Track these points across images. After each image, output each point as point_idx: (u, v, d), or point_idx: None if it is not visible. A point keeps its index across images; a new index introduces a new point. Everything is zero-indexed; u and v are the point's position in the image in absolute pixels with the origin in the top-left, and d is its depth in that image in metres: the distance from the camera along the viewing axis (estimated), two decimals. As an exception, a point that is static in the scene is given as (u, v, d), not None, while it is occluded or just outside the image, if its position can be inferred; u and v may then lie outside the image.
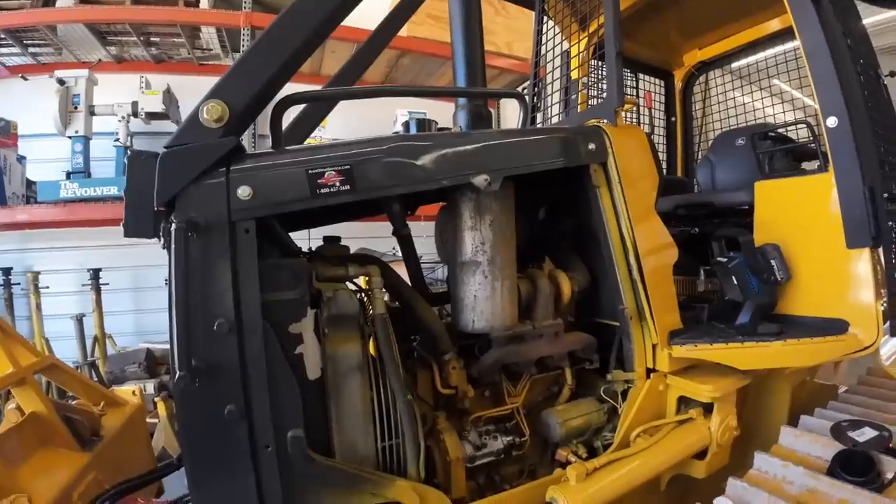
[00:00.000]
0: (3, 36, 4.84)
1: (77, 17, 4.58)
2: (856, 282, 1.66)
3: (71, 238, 5.17)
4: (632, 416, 1.65)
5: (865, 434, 1.55)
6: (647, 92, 2.78)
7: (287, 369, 1.23)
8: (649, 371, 1.71)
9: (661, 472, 1.59)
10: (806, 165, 2.06)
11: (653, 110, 2.87)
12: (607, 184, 1.72)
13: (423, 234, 2.24)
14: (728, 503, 1.47)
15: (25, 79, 5.35)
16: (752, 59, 2.74)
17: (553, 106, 2.28)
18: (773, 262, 1.75)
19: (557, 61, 2.21)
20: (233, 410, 1.14)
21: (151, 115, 4.86)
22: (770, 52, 2.64)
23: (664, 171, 3.00)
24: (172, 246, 1.09)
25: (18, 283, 4.86)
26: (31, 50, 5.21)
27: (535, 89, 2.37)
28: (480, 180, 1.40)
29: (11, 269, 4.79)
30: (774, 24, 2.57)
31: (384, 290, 1.54)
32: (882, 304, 1.64)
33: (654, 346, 1.70)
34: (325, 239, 1.59)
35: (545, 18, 2.34)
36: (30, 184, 4.69)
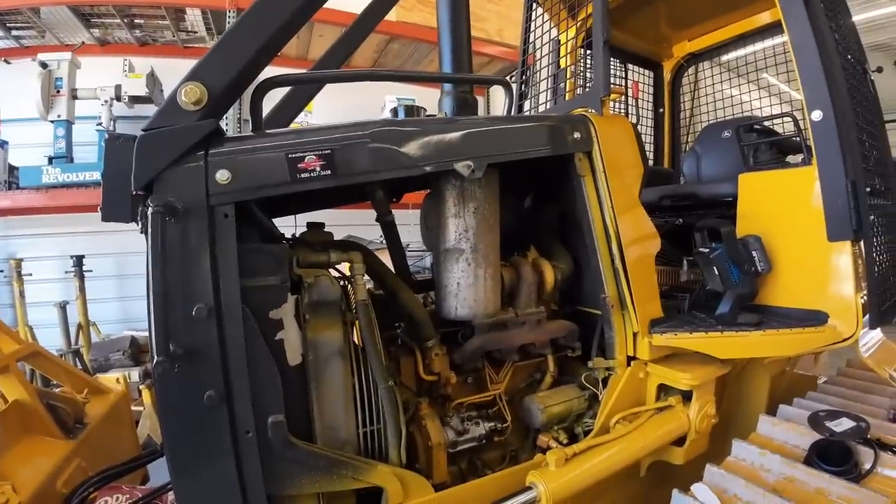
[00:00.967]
0: None
1: None
2: (836, 274, 1.68)
3: (54, 224, 5.11)
4: (612, 403, 1.67)
5: (843, 424, 1.58)
6: (634, 82, 2.77)
7: (267, 355, 1.23)
8: (630, 359, 1.73)
9: (639, 457, 1.61)
10: (791, 159, 2.08)
11: (639, 101, 2.86)
12: (592, 173, 1.72)
13: (411, 222, 2.23)
14: (705, 489, 1.51)
15: (8, 62, 5.25)
16: (741, 52, 2.74)
17: (541, 94, 2.27)
18: (754, 253, 1.77)
19: (546, 49, 2.20)
20: (212, 396, 1.14)
21: (135, 99, 4.78)
22: (759, 45, 2.65)
23: (651, 161, 3.02)
24: (150, 230, 1.08)
25: (1, 271, 4.83)
26: (15, 33, 5.10)
27: (524, 77, 2.35)
28: (463, 167, 1.39)
29: None
30: (764, 18, 2.58)
31: (368, 276, 1.54)
32: (862, 297, 1.67)
33: (634, 335, 1.71)
34: (309, 225, 1.58)
35: (534, 6, 2.32)
36: (12, 169, 4.61)
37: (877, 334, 1.99)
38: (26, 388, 1.96)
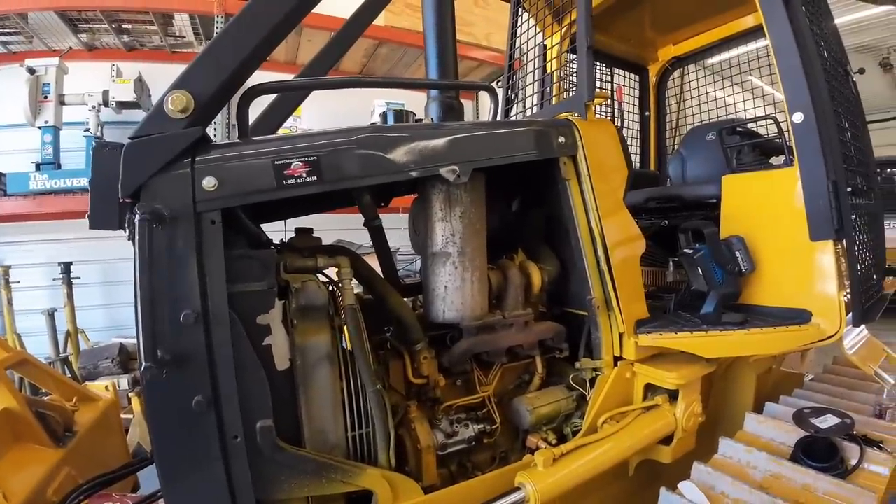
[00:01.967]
0: None
1: (48, 4, 4.48)
2: (819, 273, 1.71)
3: (41, 231, 5.09)
4: (599, 403, 1.69)
5: (828, 421, 1.60)
6: (619, 86, 2.81)
7: (255, 360, 1.24)
8: (616, 359, 1.75)
9: (627, 457, 1.63)
10: (774, 160, 2.11)
11: (623, 104, 2.90)
12: (577, 177, 1.74)
13: (402, 226, 2.25)
14: (692, 487, 1.52)
15: None
16: (726, 55, 2.78)
17: (528, 98, 2.29)
18: (737, 253, 1.80)
19: (532, 54, 2.22)
20: (201, 401, 1.15)
21: (123, 105, 4.78)
22: (744, 48, 2.68)
23: (637, 164, 3.05)
24: (137, 237, 1.08)
25: None
26: (2, 38, 5.10)
27: (510, 82, 2.38)
28: (449, 172, 1.41)
29: None
30: (748, 21, 2.61)
31: (356, 281, 1.55)
32: (845, 295, 1.69)
33: (620, 335, 1.73)
34: (297, 230, 1.59)
35: (520, 11, 2.35)
36: None
37: (861, 332, 2.02)
38: (15, 397, 1.95)
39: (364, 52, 5.62)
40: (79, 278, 4.92)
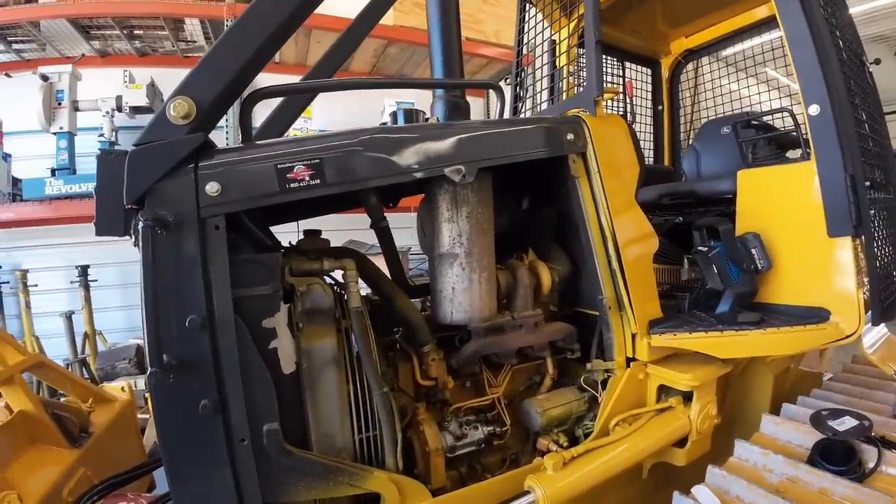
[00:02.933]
0: None
1: (59, 12, 4.55)
2: (837, 270, 1.66)
3: (58, 235, 5.18)
4: (611, 405, 1.66)
5: (846, 423, 1.55)
6: (629, 80, 2.75)
7: (261, 364, 1.24)
8: (629, 360, 1.72)
9: (639, 460, 1.60)
10: (791, 154, 2.05)
11: (634, 98, 2.84)
12: (587, 174, 1.71)
13: (414, 224, 2.24)
14: (706, 491, 1.49)
15: (9, 76, 5.34)
16: (740, 46, 2.71)
17: (540, 94, 2.26)
18: (753, 250, 1.75)
19: (541, 50, 2.19)
20: (207, 405, 1.15)
21: (136, 110, 4.83)
22: (758, 39, 2.61)
23: (649, 160, 3.00)
24: (141, 243, 1.09)
25: (7, 282, 4.91)
26: (15, 47, 5.20)
27: (518, 79, 2.35)
28: (454, 172, 1.39)
29: (0, 267, 4.83)
30: (762, 12, 2.55)
31: (364, 282, 1.55)
32: (864, 293, 1.64)
33: (633, 336, 1.70)
34: (306, 232, 1.60)
35: (528, 6, 2.31)
36: (15, 181, 4.69)
37: (881, 330, 1.96)
38: (31, 399, 2.00)
39: (374, 52, 5.62)
40: (96, 281, 5.01)
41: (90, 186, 4.36)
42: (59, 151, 4.59)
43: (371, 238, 3.40)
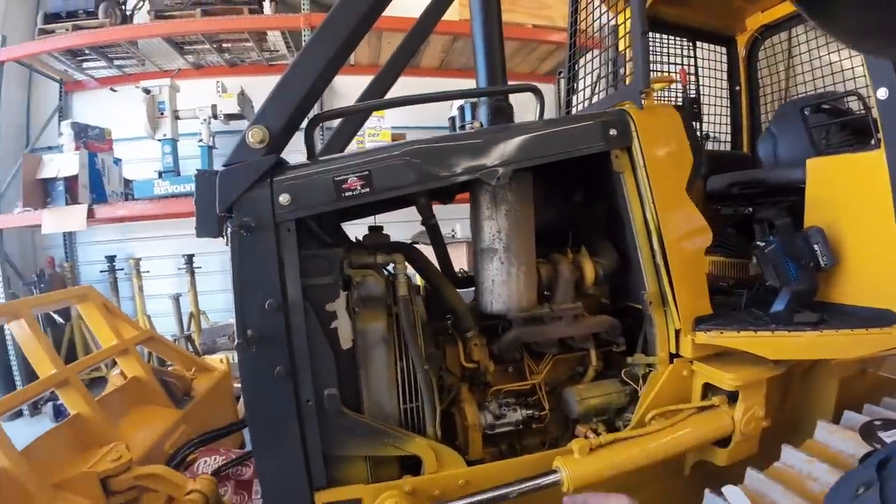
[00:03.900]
0: (89, 52, 5.55)
1: (153, 31, 5.17)
2: (908, 270, 1.53)
3: (166, 228, 5.88)
4: (651, 399, 1.70)
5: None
6: (681, 67, 2.58)
7: (324, 340, 1.50)
8: (673, 356, 1.73)
9: (672, 454, 1.61)
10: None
11: (688, 84, 2.63)
12: (632, 168, 1.74)
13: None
14: (737, 491, 1.48)
15: (114, 90, 6.16)
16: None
17: (597, 83, 2.25)
18: (816, 246, 1.66)
19: (599, 37, 2.16)
20: (280, 371, 1.44)
21: (229, 116, 5.36)
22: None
23: (728, 145, 2.80)
24: (230, 244, 1.40)
25: (122, 269, 5.73)
26: (117, 63, 5.96)
27: (570, 73, 2.36)
28: (488, 175, 1.54)
29: (115, 256, 5.67)
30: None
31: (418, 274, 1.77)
32: None
33: (677, 332, 1.71)
34: (370, 228, 1.84)
35: (583, -7, 2.29)
36: (127, 182, 5.46)
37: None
38: (143, 367, 2.33)
39: (441, 48, 5.76)
40: (200, 267, 5.68)
41: (192, 187, 5.09)
42: (164, 156, 5.22)
43: (446, 229, 3.61)
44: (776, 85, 2.65)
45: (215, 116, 5.33)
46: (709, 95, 2.68)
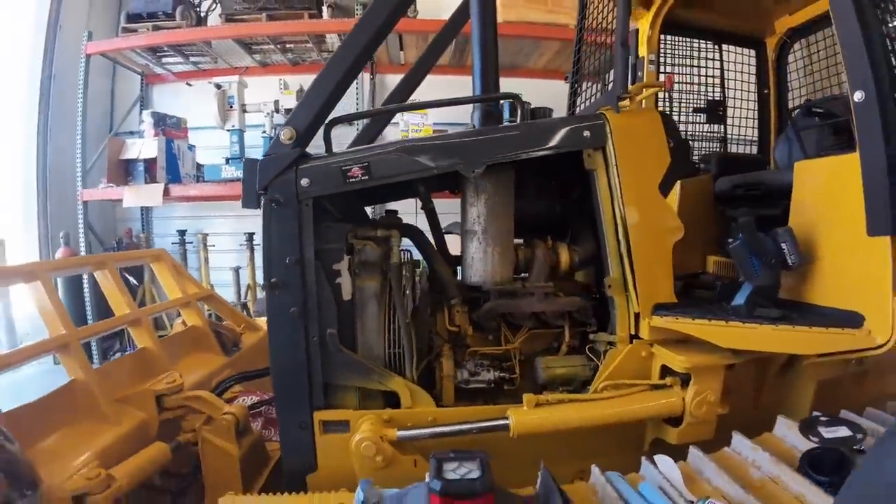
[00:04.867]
0: (167, 49, 6.30)
1: (223, 33, 5.88)
2: (875, 273, 1.52)
3: (231, 209, 6.47)
4: (608, 373, 1.87)
5: (838, 432, 1.47)
6: (668, 75, 2.51)
7: (329, 291, 1.92)
8: (633, 337, 1.88)
9: (613, 421, 1.77)
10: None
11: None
12: (605, 166, 1.91)
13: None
14: (669, 462, 1.61)
15: (189, 84, 6.98)
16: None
17: (600, 82, 2.36)
18: (784, 245, 1.70)
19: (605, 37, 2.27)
20: (294, 311, 1.89)
21: (290, 111, 5.74)
22: None
23: (751, 149, 2.67)
24: (263, 214, 1.90)
25: (191, 242, 6.42)
26: (192, 59, 6.79)
27: (576, 77, 2.49)
28: (464, 168, 1.85)
29: (185, 231, 6.53)
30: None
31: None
32: None
33: (636, 315, 1.86)
34: (387, 212, 2.25)
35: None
36: (199, 166, 6.28)
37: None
38: (201, 319, 2.73)
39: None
40: (259, 244, 6.45)
41: (254, 172, 5.82)
42: (232, 145, 5.83)
43: (455, 219, 3.89)
44: (805, 88, 2.50)
45: (277, 110, 5.82)
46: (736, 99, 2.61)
